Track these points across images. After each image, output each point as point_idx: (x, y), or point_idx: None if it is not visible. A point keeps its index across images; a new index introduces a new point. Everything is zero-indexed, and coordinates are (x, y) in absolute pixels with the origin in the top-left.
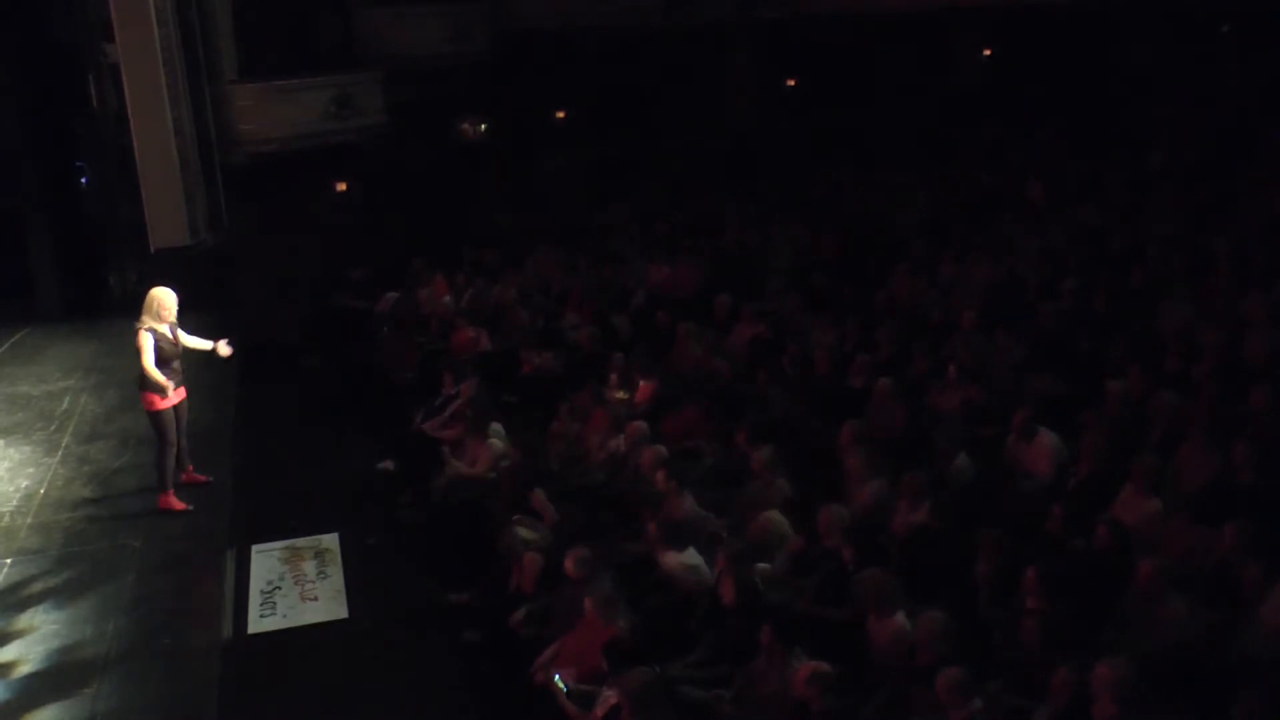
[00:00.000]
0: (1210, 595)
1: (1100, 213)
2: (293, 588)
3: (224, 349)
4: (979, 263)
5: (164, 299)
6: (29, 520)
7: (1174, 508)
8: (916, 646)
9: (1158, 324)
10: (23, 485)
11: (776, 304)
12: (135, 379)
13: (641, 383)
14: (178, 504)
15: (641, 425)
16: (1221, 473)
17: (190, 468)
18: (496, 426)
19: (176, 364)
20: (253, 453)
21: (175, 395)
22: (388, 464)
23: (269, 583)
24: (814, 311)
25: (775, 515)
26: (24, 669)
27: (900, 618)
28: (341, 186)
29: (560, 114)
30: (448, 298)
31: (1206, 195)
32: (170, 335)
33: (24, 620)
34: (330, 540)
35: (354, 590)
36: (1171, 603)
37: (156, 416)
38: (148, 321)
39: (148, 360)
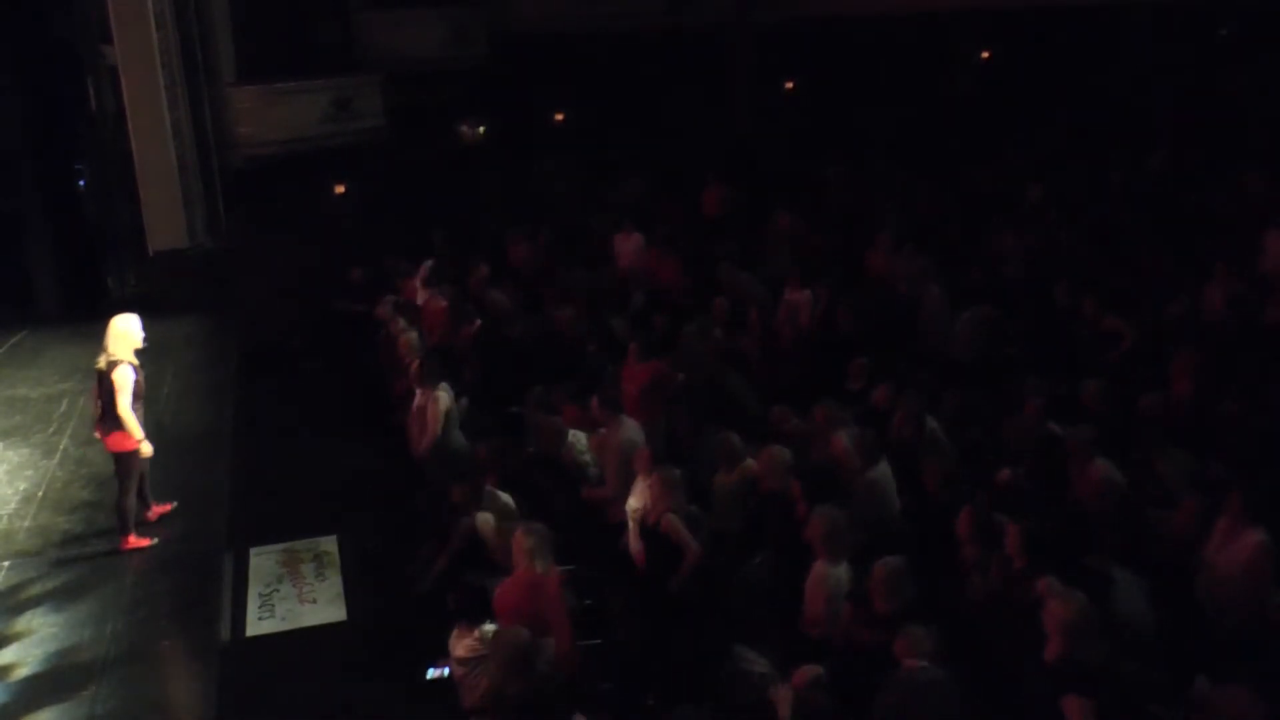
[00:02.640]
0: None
1: (1100, 212)
2: (291, 590)
3: (146, 450)
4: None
5: (138, 329)
6: (27, 523)
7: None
8: (871, 593)
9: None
10: (21, 488)
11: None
12: (96, 418)
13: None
14: (143, 541)
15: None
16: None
17: (153, 504)
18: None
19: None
20: (251, 455)
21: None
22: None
23: (267, 585)
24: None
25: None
26: (22, 671)
27: (836, 569)
28: (340, 189)
29: (559, 116)
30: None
31: (1205, 197)
32: (140, 373)
33: (22, 623)
34: (329, 543)
35: (352, 593)
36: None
37: (129, 457)
38: (124, 355)
39: (126, 401)
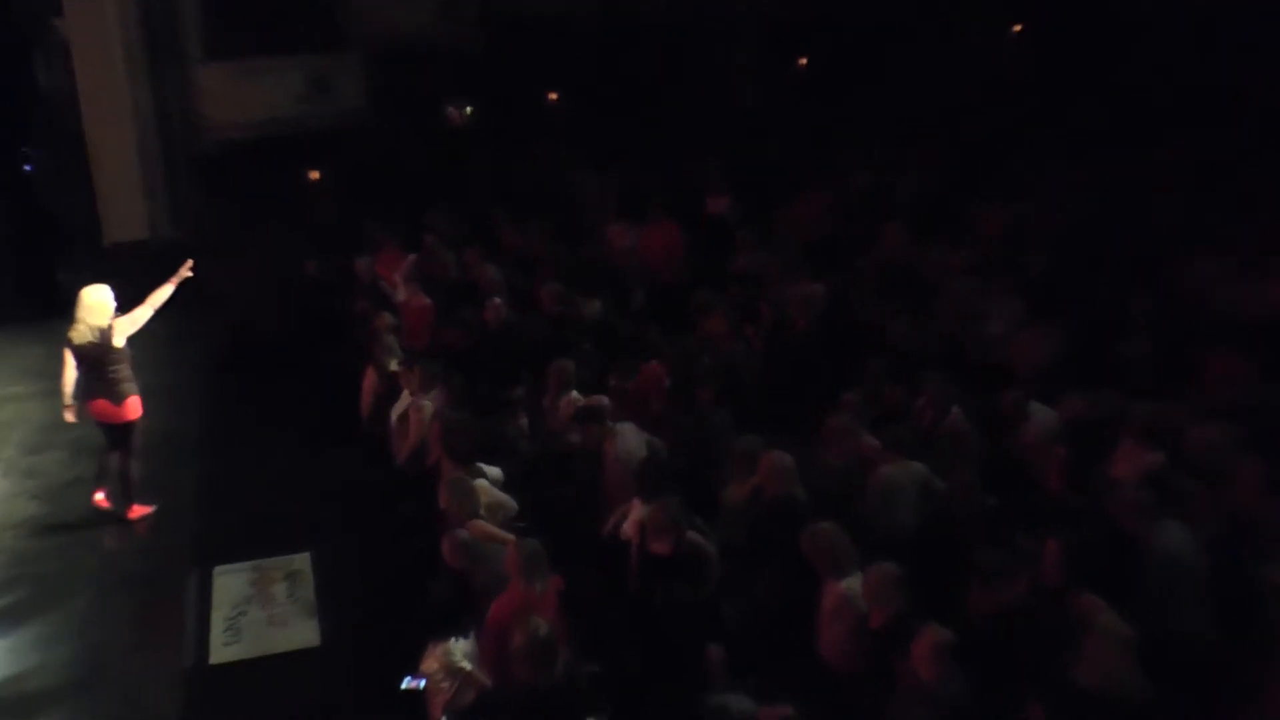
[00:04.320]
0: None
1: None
2: (260, 613)
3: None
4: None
5: (112, 299)
6: None
7: None
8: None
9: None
10: None
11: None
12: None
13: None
14: (147, 507)
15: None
16: None
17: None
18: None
19: None
20: (219, 464)
21: None
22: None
23: (234, 607)
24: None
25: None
26: None
27: (850, 582)
28: (317, 175)
29: (553, 96)
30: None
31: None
32: None
33: None
34: (302, 560)
35: (328, 616)
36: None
37: (134, 425)
38: (104, 321)
39: (137, 317)
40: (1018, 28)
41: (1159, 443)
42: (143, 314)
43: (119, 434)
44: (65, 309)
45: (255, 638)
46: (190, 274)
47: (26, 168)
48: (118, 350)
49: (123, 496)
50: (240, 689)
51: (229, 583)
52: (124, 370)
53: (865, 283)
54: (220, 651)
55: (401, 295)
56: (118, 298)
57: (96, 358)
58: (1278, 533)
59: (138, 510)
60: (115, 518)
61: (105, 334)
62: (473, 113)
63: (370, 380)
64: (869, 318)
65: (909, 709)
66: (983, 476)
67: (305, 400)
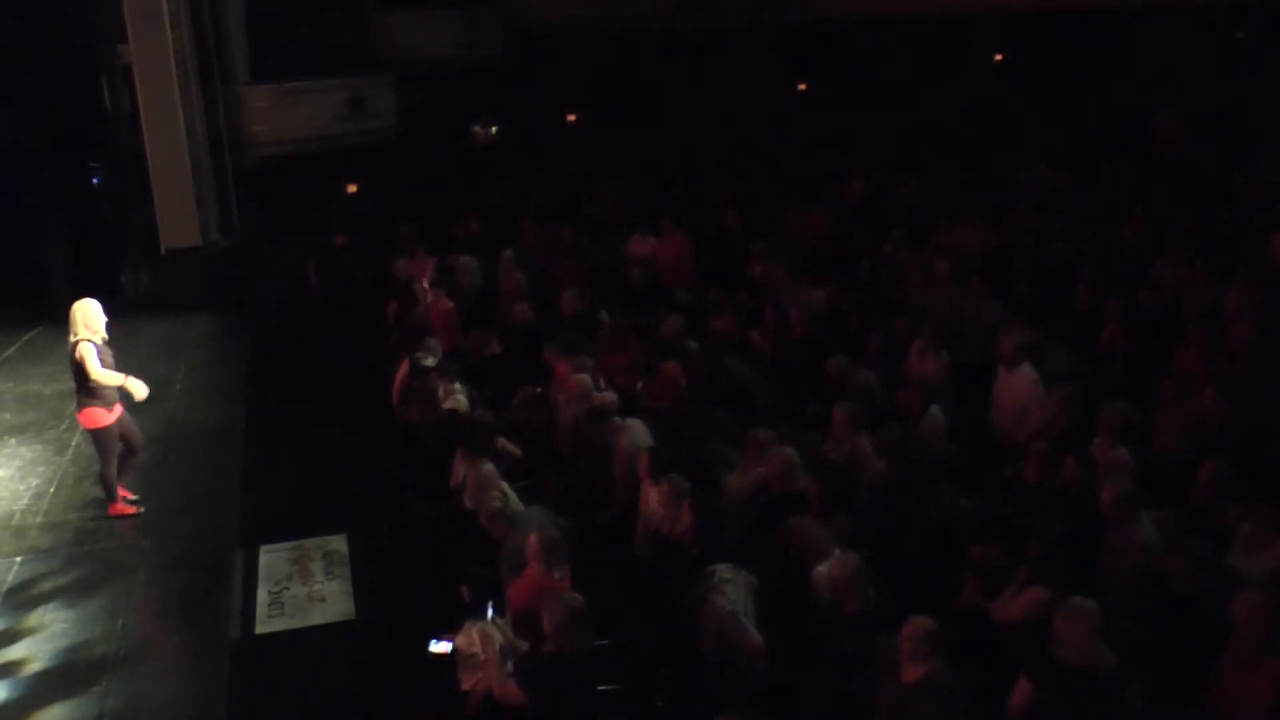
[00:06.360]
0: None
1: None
2: (301, 588)
3: (137, 390)
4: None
5: (91, 311)
6: (39, 519)
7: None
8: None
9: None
10: (33, 484)
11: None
12: (70, 394)
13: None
14: (129, 509)
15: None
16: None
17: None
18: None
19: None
20: (262, 453)
21: (116, 410)
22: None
23: (277, 583)
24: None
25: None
26: (33, 666)
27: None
28: (353, 189)
29: (571, 117)
30: (428, 281)
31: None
32: (107, 350)
33: (33, 618)
34: (338, 541)
35: (362, 591)
36: (1140, 526)
37: (98, 434)
38: (82, 334)
39: (95, 367)
40: (999, 57)
41: (1129, 439)
42: (105, 376)
43: (90, 438)
44: (125, 310)
45: (297, 611)
46: (142, 399)
47: (94, 181)
48: (79, 358)
49: (105, 496)
50: (283, 657)
51: (272, 561)
52: (88, 385)
53: (858, 290)
54: (265, 623)
55: (429, 298)
56: (172, 299)
57: (71, 366)
58: (1233, 528)
59: (119, 508)
60: (159, 503)
61: (74, 345)
62: (497, 131)
63: (403, 372)
64: (862, 323)
65: (898, 694)
66: (959, 470)
67: (342, 395)
